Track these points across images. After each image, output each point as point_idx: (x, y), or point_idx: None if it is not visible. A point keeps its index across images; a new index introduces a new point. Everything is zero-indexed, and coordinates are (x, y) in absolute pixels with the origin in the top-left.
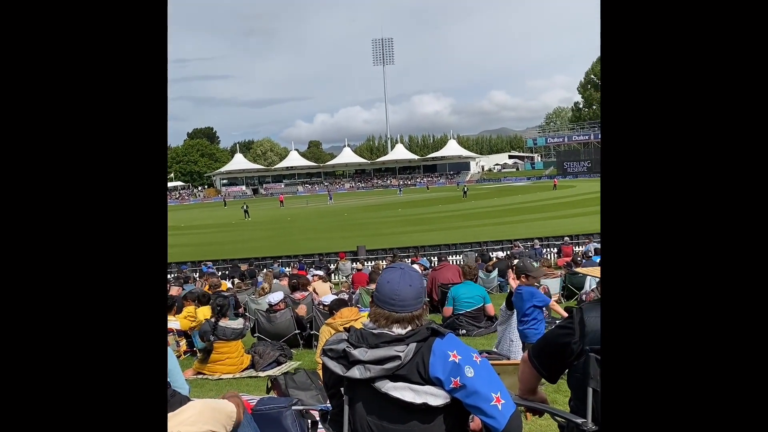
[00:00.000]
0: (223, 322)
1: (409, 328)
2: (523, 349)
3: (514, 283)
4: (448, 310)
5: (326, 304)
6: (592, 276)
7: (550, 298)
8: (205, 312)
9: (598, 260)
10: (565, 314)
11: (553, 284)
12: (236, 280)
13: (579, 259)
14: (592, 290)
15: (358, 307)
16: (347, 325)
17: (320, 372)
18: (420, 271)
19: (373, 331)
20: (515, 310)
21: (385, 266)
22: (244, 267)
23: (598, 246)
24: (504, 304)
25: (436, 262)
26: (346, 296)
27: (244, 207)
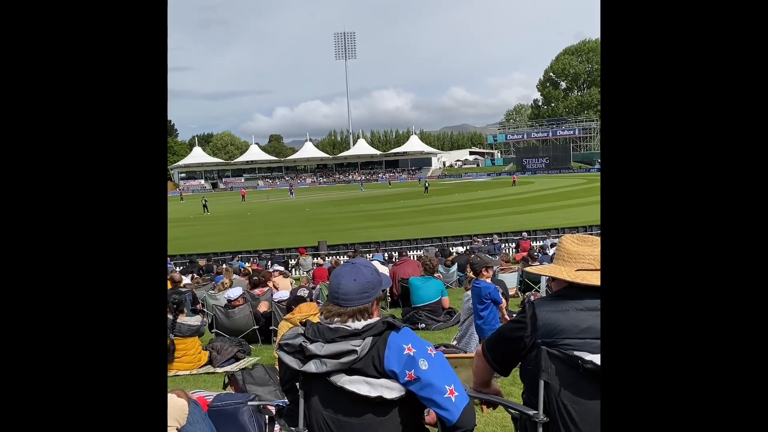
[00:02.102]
0: (181, 319)
1: (365, 322)
2: (480, 343)
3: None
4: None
5: (283, 300)
6: (539, 274)
7: (507, 294)
8: None
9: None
10: (507, 318)
11: (511, 279)
12: (195, 276)
13: (536, 253)
14: (547, 285)
15: (318, 302)
16: (305, 320)
17: (278, 368)
18: (375, 268)
19: (329, 325)
20: (473, 304)
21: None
22: (202, 262)
23: (555, 241)
24: (469, 296)
25: (396, 257)
26: (306, 292)
27: (204, 201)
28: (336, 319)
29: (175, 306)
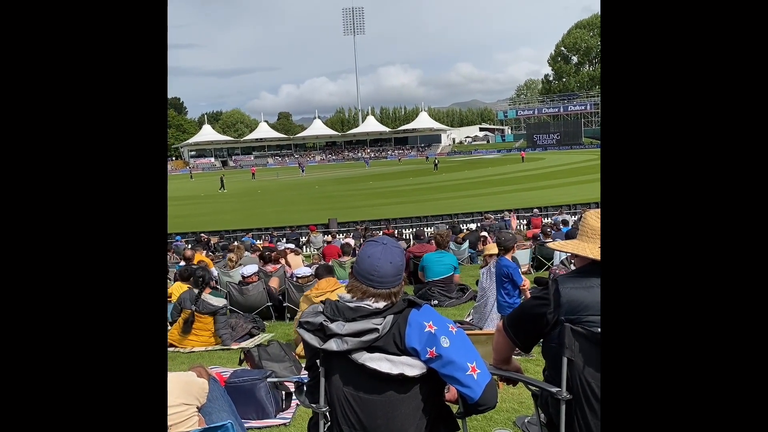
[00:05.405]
0: (205, 296)
1: (386, 302)
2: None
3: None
4: (422, 275)
5: (299, 276)
6: (561, 251)
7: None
8: (180, 287)
9: (566, 231)
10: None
11: (523, 255)
12: (209, 253)
13: (548, 230)
14: (561, 262)
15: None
16: (323, 298)
17: (294, 344)
18: (402, 247)
19: (350, 304)
20: (495, 280)
21: (361, 240)
22: (214, 239)
23: (567, 217)
24: (485, 273)
25: (406, 235)
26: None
27: (221, 178)
28: (370, 299)
29: (201, 280)
